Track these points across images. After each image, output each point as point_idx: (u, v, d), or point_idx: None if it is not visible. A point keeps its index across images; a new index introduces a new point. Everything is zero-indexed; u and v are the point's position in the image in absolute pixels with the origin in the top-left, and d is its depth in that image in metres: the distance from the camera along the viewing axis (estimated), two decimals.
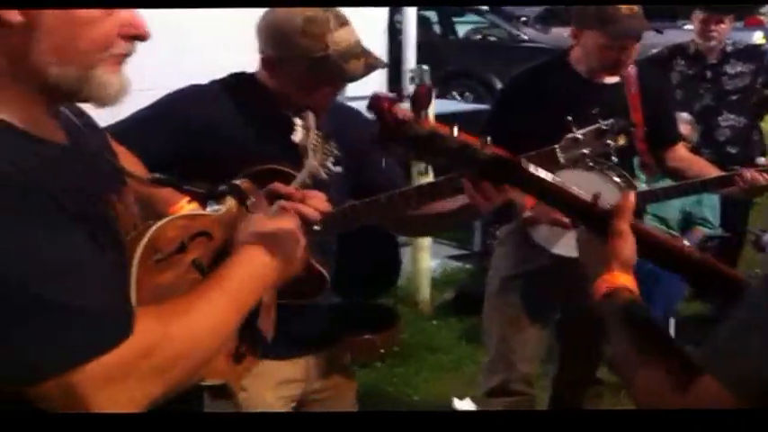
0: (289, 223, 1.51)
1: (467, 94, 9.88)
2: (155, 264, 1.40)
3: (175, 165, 2.02)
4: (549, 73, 3.21)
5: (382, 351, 4.45)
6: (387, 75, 6.32)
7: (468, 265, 5.62)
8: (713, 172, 3.28)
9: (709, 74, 4.95)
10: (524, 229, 3.16)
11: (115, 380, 1.12)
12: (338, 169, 2.36)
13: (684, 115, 4.65)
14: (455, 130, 1.33)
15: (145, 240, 1.38)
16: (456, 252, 6.05)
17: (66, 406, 1.10)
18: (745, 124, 4.98)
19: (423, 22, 6.61)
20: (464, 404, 4.10)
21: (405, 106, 1.33)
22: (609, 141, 2.64)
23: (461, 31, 11.94)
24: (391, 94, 1.61)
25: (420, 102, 1.33)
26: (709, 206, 4.65)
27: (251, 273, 1.39)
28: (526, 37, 11.17)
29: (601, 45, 2.98)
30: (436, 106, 5.13)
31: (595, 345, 3.40)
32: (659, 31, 3.15)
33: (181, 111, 2.25)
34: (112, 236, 1.26)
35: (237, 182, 1.69)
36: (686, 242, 4.50)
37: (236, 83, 2.35)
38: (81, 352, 1.10)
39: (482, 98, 9.71)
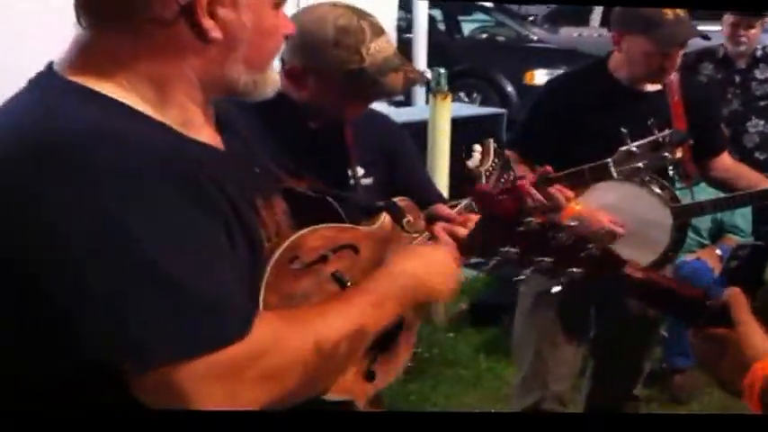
0: (444, 251, 1.48)
1: (474, 94, 9.74)
2: (291, 270, 1.35)
3: None
4: (588, 79, 3.07)
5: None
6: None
7: (482, 274, 5.44)
8: (761, 180, 3.13)
9: (737, 79, 4.83)
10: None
11: (221, 379, 1.08)
12: (368, 181, 2.23)
13: None
14: (570, 223, 1.31)
15: (284, 246, 1.34)
16: (471, 260, 5.84)
17: (164, 398, 1.06)
18: None
19: (428, 21, 6.53)
20: None
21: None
22: (665, 154, 2.49)
23: (467, 29, 11.77)
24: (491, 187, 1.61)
25: (524, 195, 1.34)
26: (741, 214, 4.52)
27: (391, 292, 1.36)
28: (534, 37, 11.02)
29: (645, 51, 2.84)
30: (452, 110, 5.01)
31: (632, 361, 3.29)
32: (706, 37, 2.99)
33: None
34: (251, 237, 1.23)
35: (395, 199, 1.64)
36: (718, 251, 4.37)
37: None
38: (192, 344, 1.06)
39: (490, 99, 9.59)
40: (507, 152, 3.06)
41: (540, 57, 10.03)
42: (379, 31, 2.06)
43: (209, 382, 1.07)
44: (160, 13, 1.14)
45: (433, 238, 1.62)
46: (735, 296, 1.40)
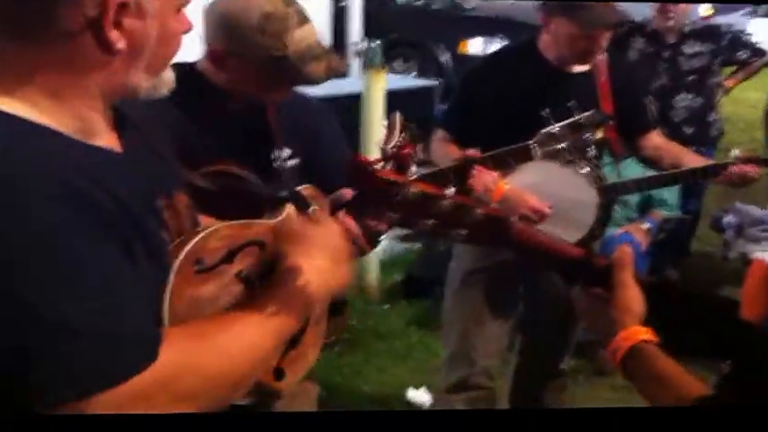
0: (335, 236, 1.43)
1: (410, 62, 9.72)
2: (196, 274, 1.30)
3: None
4: (517, 60, 3.07)
5: (331, 339, 4.28)
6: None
7: (416, 246, 5.46)
8: (690, 158, 3.17)
9: (666, 54, 4.90)
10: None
11: (133, 407, 1.07)
12: (294, 162, 2.22)
13: None
14: (448, 191, 1.28)
15: (184, 251, 1.29)
16: (404, 232, 5.87)
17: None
18: (701, 104, 4.93)
19: None
20: (418, 395, 3.98)
21: (387, 167, 1.29)
22: (587, 135, 2.52)
23: None
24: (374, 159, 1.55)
25: (406, 163, 1.32)
26: (669, 188, 4.59)
27: (292, 291, 1.32)
28: (469, 5, 10.99)
29: (570, 34, 2.84)
30: (387, 82, 5.00)
31: (559, 337, 3.34)
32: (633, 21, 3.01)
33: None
34: (153, 248, 1.19)
35: (299, 188, 1.60)
36: (647, 224, 4.46)
37: (177, 75, 2.13)
38: (96, 381, 1.04)
39: (425, 68, 9.57)
40: (439, 132, 3.09)
41: (474, 26, 10.02)
42: (303, 19, 2.04)
43: (123, 410, 1.06)
44: (65, 25, 1.09)
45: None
46: (620, 257, 1.41)
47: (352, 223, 1.52)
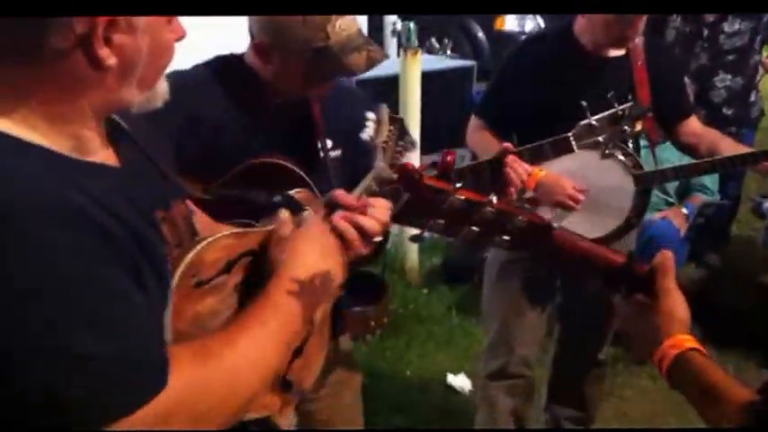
0: (328, 239, 1.43)
1: (445, 40, 9.64)
2: (194, 289, 1.29)
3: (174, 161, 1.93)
4: (553, 45, 3.04)
5: (374, 324, 4.34)
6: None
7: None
8: (727, 145, 3.08)
9: (706, 32, 4.76)
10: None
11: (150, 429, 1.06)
12: (337, 153, 2.24)
13: None
14: (493, 198, 1.28)
15: (182, 267, 1.26)
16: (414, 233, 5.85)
17: None
18: (741, 85, 4.82)
19: None
20: (458, 380, 4.02)
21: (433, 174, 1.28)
22: (625, 128, 2.51)
23: None
24: (419, 166, 1.52)
25: (449, 170, 1.27)
26: None
27: (291, 299, 1.31)
28: None
29: (605, 19, 2.81)
30: (422, 63, 5.00)
31: (597, 327, 3.34)
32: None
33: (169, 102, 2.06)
34: (156, 263, 1.17)
35: (292, 191, 1.59)
36: (686, 209, 4.42)
37: (225, 68, 2.17)
38: (111, 409, 1.03)
39: (461, 46, 9.50)
40: (474, 119, 3.10)
41: (511, 3, 9.92)
42: None
43: None
44: (55, 44, 1.08)
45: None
46: (662, 263, 1.39)
47: (347, 226, 1.51)
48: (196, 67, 2.18)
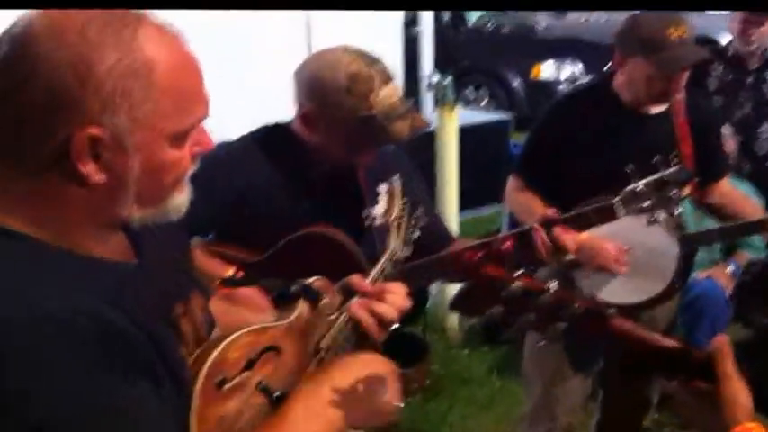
0: (377, 369, 1.43)
1: (481, 90, 9.66)
2: (218, 390, 1.28)
3: (216, 229, 2.04)
4: (591, 102, 2.98)
5: (416, 387, 4.27)
6: (402, 79, 6.14)
7: None
8: (758, 210, 3.09)
9: (749, 80, 4.63)
10: (567, 274, 2.94)
11: None
12: (382, 221, 2.22)
13: (723, 128, 4.41)
14: (551, 286, 1.30)
15: (206, 368, 1.26)
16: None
17: None
18: None
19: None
20: None
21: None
22: (672, 193, 2.43)
23: (471, 18, 11.61)
24: (479, 251, 1.55)
25: (507, 256, 1.25)
26: None
27: (313, 406, 1.32)
28: (542, 27, 10.90)
29: (647, 75, 2.74)
30: (459, 118, 4.96)
31: (641, 392, 3.25)
32: (711, 61, 2.90)
33: (219, 173, 2.06)
34: (175, 366, 1.18)
35: (310, 281, 1.56)
36: (731, 267, 4.29)
37: (271, 137, 2.21)
38: None
39: (497, 95, 9.50)
40: (512, 178, 3.03)
41: (545, 49, 9.93)
42: (387, 79, 2.09)
43: None
44: (38, 156, 1.08)
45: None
46: (720, 348, 1.37)
47: (364, 315, 1.53)
48: (243, 138, 2.22)
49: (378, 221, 2.10)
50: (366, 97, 2.03)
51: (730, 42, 4.76)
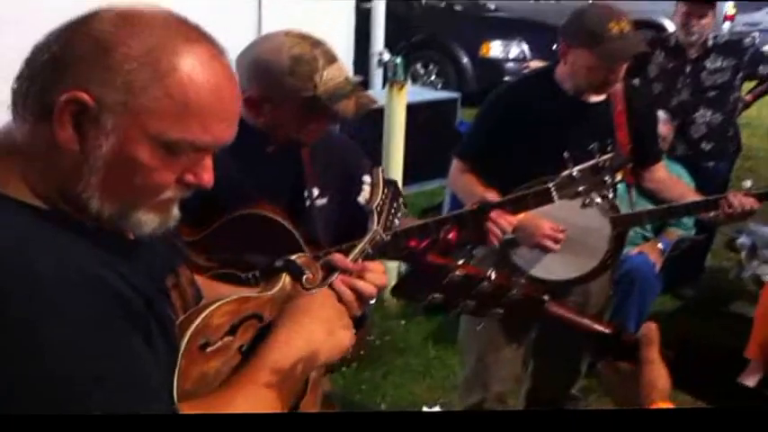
0: (326, 304, 1.49)
1: (431, 66, 9.70)
2: (201, 352, 1.35)
3: None
4: (535, 89, 3.08)
5: (350, 355, 4.31)
6: (353, 54, 6.15)
7: None
8: (689, 194, 3.21)
9: (688, 68, 4.84)
10: (504, 251, 3.05)
11: None
12: (323, 202, 2.26)
13: (660, 114, 4.56)
14: (492, 273, 1.35)
15: (190, 331, 1.33)
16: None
17: None
18: (721, 120, 4.89)
19: None
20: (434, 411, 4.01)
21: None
22: (606, 178, 2.53)
23: None
24: (421, 242, 1.61)
25: (451, 246, 1.31)
26: None
27: (286, 359, 1.37)
28: (492, 5, 10.97)
29: (588, 65, 2.84)
30: (409, 95, 5.02)
31: (570, 361, 3.37)
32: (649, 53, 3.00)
33: None
34: (165, 327, 1.23)
35: (293, 257, 1.63)
36: (661, 244, 4.46)
37: None
38: None
39: (446, 72, 9.54)
40: (456, 162, 3.10)
41: (496, 27, 10.01)
42: (331, 59, 2.11)
43: None
44: (40, 104, 1.12)
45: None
46: (647, 334, 1.47)
47: (345, 290, 1.59)
48: None
49: (318, 203, 2.15)
50: (310, 78, 2.04)
51: (673, 32, 4.95)
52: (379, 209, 2.02)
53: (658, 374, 1.44)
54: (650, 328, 1.47)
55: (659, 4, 8.64)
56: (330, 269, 1.64)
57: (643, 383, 1.43)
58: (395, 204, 2.10)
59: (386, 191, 2.06)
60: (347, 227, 2.20)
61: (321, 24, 5.48)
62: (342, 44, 5.78)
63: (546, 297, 1.42)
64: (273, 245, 2.01)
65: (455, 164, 3.13)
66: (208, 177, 1.22)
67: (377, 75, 6.19)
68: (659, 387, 1.42)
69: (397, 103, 4.86)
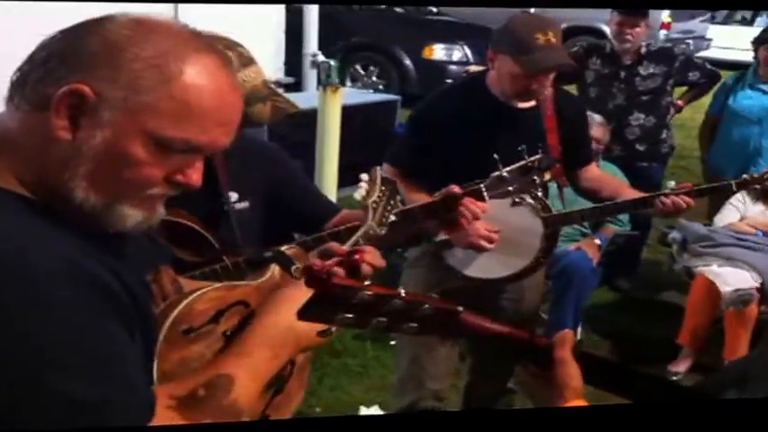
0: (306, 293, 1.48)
1: (371, 67, 9.70)
2: (183, 336, 1.39)
3: None
4: (465, 95, 3.09)
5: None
6: (283, 56, 6.09)
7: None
8: (625, 190, 3.26)
9: (622, 74, 5.07)
10: (437, 252, 3.07)
11: None
12: (244, 205, 2.25)
13: (596, 117, 4.71)
14: (401, 291, 1.32)
15: (172, 317, 1.38)
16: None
17: None
18: (654, 123, 5.11)
19: None
20: (371, 413, 4.01)
21: (341, 272, 1.34)
22: (534, 178, 2.57)
23: None
24: (325, 263, 1.60)
25: (358, 267, 1.37)
26: None
27: (271, 342, 1.40)
28: (434, 9, 11.03)
29: (513, 73, 2.86)
30: (344, 96, 5.03)
31: (506, 357, 3.38)
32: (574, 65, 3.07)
33: None
34: (145, 319, 1.26)
35: (283, 248, 1.65)
36: (598, 239, 4.58)
37: None
38: None
39: (387, 73, 9.56)
40: (387, 168, 3.09)
41: (438, 30, 10.07)
42: (247, 62, 2.09)
43: None
44: (32, 95, 1.16)
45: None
46: (562, 337, 1.53)
47: (340, 271, 1.58)
48: None
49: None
50: None
51: (608, 40, 5.16)
52: (374, 205, 2.05)
53: (571, 374, 1.48)
54: (565, 334, 1.54)
55: (599, 11, 8.77)
56: (327, 256, 1.65)
57: (557, 382, 1.48)
58: (391, 202, 2.13)
59: (383, 188, 2.10)
60: (281, 228, 2.19)
61: (248, 24, 5.44)
62: (270, 44, 5.74)
63: (460, 308, 1.42)
64: (188, 250, 2.02)
65: (386, 169, 3.06)
66: (196, 178, 1.25)
67: (312, 75, 6.17)
68: (573, 386, 1.47)
69: (332, 106, 4.88)
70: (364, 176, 2.11)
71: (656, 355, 4.55)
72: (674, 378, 4.29)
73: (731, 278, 4.28)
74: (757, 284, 4.27)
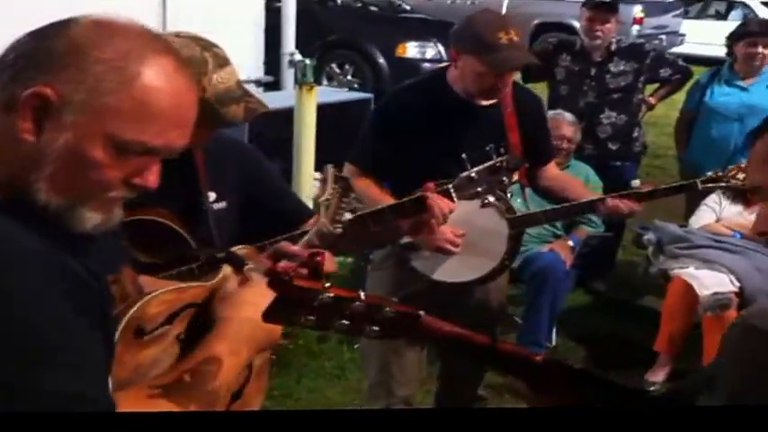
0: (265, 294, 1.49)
1: (346, 66, 9.69)
2: (136, 339, 1.39)
3: None
4: (427, 92, 3.09)
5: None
6: (263, 56, 6.10)
7: (348, 261, 5.48)
8: (582, 190, 3.30)
9: (593, 71, 5.01)
10: (402, 255, 3.07)
11: None
12: (221, 205, 2.25)
13: (567, 115, 4.70)
14: (361, 294, 1.34)
15: (125, 320, 1.37)
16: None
17: None
18: (626, 121, 5.07)
19: None
20: None
21: (304, 273, 1.33)
22: (503, 178, 2.57)
23: None
24: (288, 264, 1.61)
25: (320, 268, 1.35)
26: None
27: (230, 341, 1.42)
28: (408, 7, 11.03)
29: (477, 72, 2.85)
30: (319, 95, 5.02)
31: (475, 363, 3.39)
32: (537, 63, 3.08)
33: None
34: (107, 318, 1.26)
35: (236, 248, 1.68)
36: (571, 241, 4.56)
37: None
38: None
39: (362, 72, 9.56)
40: (349, 166, 3.07)
41: (412, 28, 10.07)
42: (222, 63, 2.08)
43: None
44: (11, 96, 1.17)
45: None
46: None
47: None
48: None
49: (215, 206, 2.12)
50: (198, 81, 1.99)
51: (578, 36, 5.12)
52: (327, 203, 2.06)
53: None
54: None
55: (570, 6, 8.78)
56: (278, 257, 1.66)
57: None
58: (344, 200, 2.13)
59: (335, 186, 2.10)
60: (258, 229, 2.19)
61: (229, 22, 5.46)
62: (251, 43, 5.75)
63: (420, 312, 1.43)
64: (165, 249, 2.00)
65: (348, 167, 3.03)
66: (153, 180, 1.27)
67: (290, 74, 6.17)
68: None
69: (307, 105, 4.89)
70: (317, 175, 2.13)
71: (633, 359, 4.49)
72: (652, 389, 4.19)
73: (709, 281, 4.11)
74: (735, 289, 4.10)
